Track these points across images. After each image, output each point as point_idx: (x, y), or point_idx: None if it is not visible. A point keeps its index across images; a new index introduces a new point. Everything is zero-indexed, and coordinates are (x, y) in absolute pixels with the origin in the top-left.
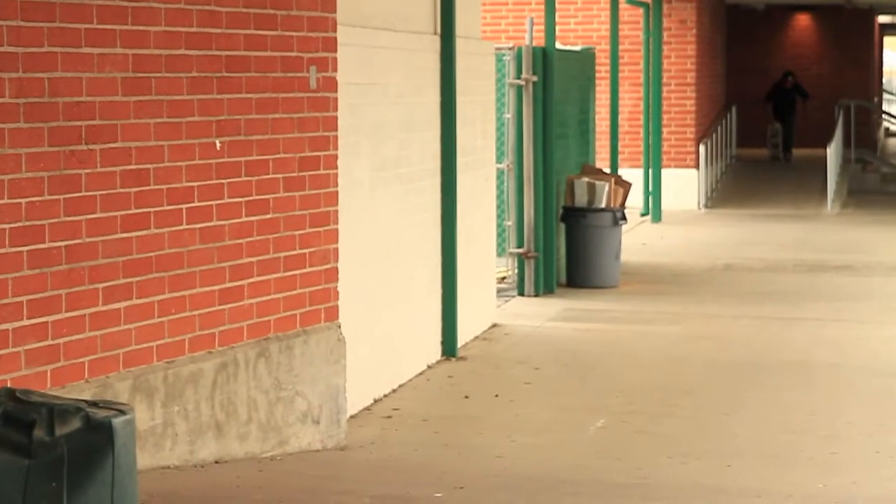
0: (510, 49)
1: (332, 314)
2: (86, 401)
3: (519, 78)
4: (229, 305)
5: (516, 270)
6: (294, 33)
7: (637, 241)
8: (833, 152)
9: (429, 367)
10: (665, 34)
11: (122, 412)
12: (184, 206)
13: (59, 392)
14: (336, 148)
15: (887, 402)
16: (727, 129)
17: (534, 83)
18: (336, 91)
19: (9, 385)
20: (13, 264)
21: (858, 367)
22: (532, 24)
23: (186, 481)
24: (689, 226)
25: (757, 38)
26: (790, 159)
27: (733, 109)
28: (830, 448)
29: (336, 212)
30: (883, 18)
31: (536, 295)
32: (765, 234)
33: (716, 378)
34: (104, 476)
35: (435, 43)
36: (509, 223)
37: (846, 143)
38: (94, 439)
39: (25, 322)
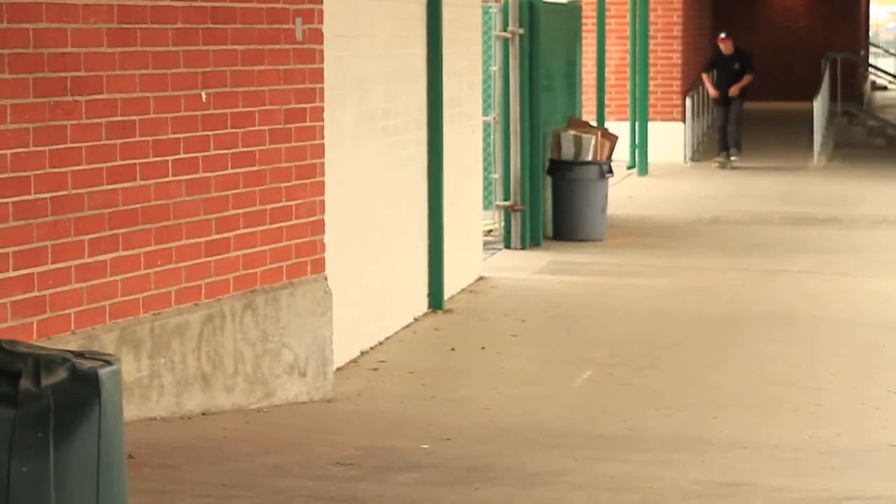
0: (497, 1)
1: (319, 266)
2: (72, 351)
3: (505, 30)
4: (215, 257)
5: (503, 223)
6: None
7: (623, 195)
8: (819, 105)
9: (415, 319)
10: None
11: (109, 363)
12: (170, 158)
13: (46, 343)
14: (322, 100)
15: (871, 354)
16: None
17: (520, 36)
18: (322, 43)
19: None
20: None
21: (842, 319)
22: None
23: (173, 433)
24: (675, 179)
25: None
26: (734, 157)
27: None
28: (815, 400)
29: (322, 164)
30: None
31: (523, 248)
32: (751, 187)
33: (701, 330)
34: (91, 426)
35: None
36: (496, 176)
37: (832, 96)
38: (81, 390)
39: (11, 273)
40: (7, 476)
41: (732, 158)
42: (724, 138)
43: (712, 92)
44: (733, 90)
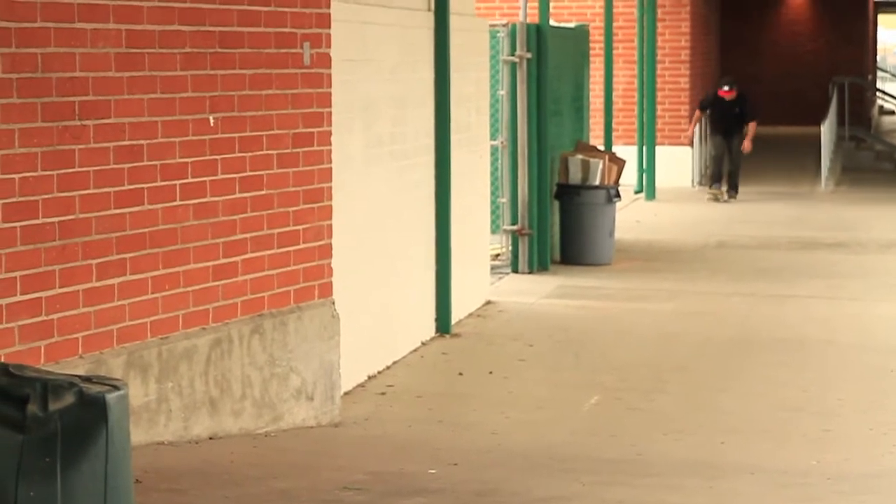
0: (504, 26)
1: (326, 291)
2: (80, 376)
3: (513, 55)
4: (223, 282)
5: (510, 247)
6: (287, 9)
7: (631, 219)
8: (827, 130)
9: (423, 343)
10: (659, 11)
11: (116, 387)
12: (177, 182)
13: (53, 368)
14: (330, 124)
15: (880, 378)
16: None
17: (528, 60)
18: (330, 67)
19: (2, 360)
20: (6, 240)
21: (851, 344)
22: (526, 0)
23: (181, 457)
24: (682, 203)
25: (750, 15)
26: (734, 196)
27: None
28: (823, 425)
29: (330, 188)
30: None
31: (530, 272)
32: (758, 212)
33: (709, 355)
34: (98, 451)
35: (429, 19)
36: (503, 200)
37: (840, 121)
38: (88, 415)
39: (19, 297)
40: (14, 500)
41: (729, 198)
42: (719, 169)
43: (691, 130)
44: (747, 145)
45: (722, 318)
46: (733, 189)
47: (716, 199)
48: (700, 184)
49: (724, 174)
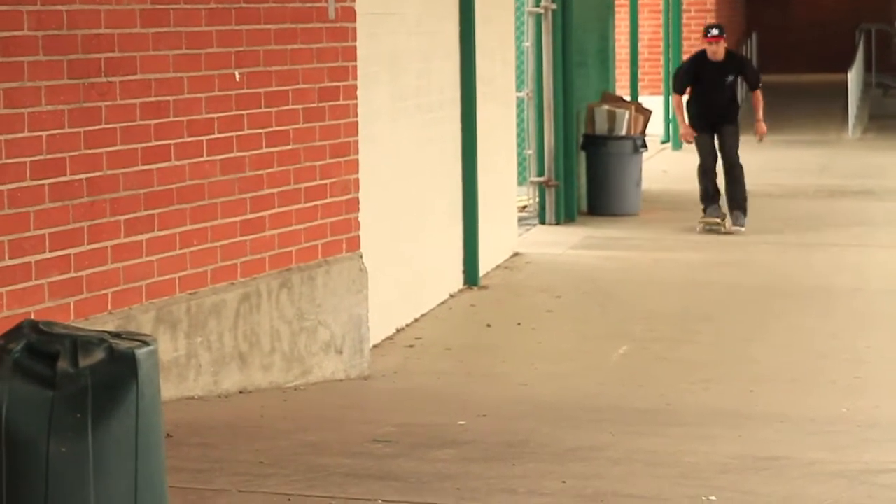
0: None
1: (354, 244)
2: (109, 332)
3: (538, 6)
4: (251, 236)
5: (537, 199)
6: None
7: (658, 169)
8: (854, 77)
9: (451, 296)
10: None
11: (146, 343)
12: (204, 138)
13: (83, 324)
14: (355, 78)
15: None
16: (748, 56)
17: (553, 11)
18: (355, 21)
19: (32, 317)
20: (35, 197)
21: (879, 290)
22: None
23: (211, 411)
24: None
25: None
26: (742, 223)
27: (753, 36)
28: (853, 372)
29: (356, 142)
30: None
31: (557, 223)
32: (786, 160)
33: (737, 304)
34: (128, 406)
35: None
36: (530, 152)
37: (867, 67)
38: (118, 370)
39: (48, 255)
40: (46, 456)
41: (735, 227)
42: (712, 185)
43: (684, 130)
44: (762, 128)
45: (749, 266)
46: (740, 210)
47: (711, 228)
48: None
49: (718, 190)
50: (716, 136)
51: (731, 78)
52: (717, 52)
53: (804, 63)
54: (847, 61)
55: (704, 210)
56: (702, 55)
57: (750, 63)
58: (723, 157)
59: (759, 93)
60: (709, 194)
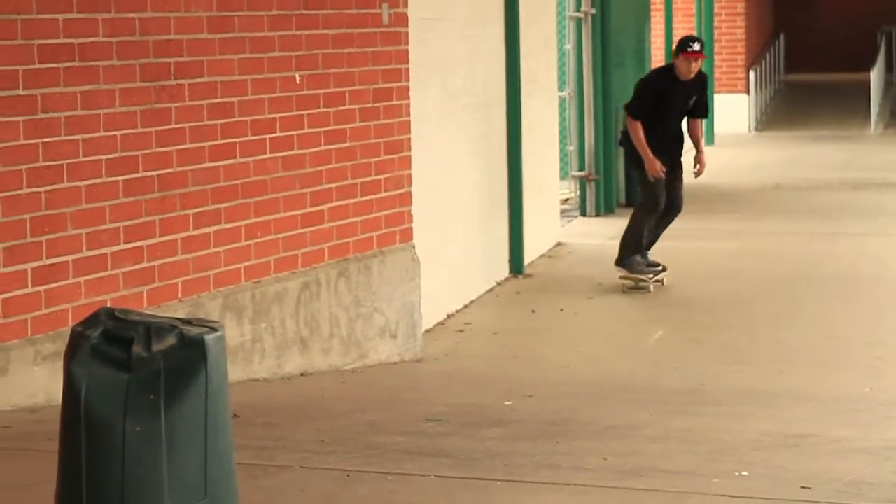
0: None
1: (407, 235)
2: (180, 319)
3: (579, 11)
4: (311, 228)
5: (578, 192)
6: None
7: (692, 163)
8: (876, 76)
9: (498, 283)
10: None
11: (214, 329)
12: (267, 137)
13: (155, 311)
14: (408, 79)
15: None
16: (775, 56)
17: (592, 15)
18: (407, 26)
19: (108, 305)
20: (110, 192)
21: None
22: None
23: (274, 393)
24: (740, 148)
25: None
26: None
27: (781, 37)
28: (876, 354)
29: (409, 139)
30: None
31: (597, 215)
32: (812, 155)
33: (767, 291)
34: (198, 388)
35: None
36: (571, 148)
37: (888, 67)
38: (189, 355)
39: (123, 246)
40: (122, 435)
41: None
42: (658, 231)
43: (654, 169)
44: (704, 163)
45: (779, 255)
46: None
47: (638, 285)
48: (756, 129)
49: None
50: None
51: (693, 100)
52: (693, 70)
53: (829, 63)
54: (869, 61)
55: (643, 263)
56: (668, 72)
57: (704, 101)
58: (673, 199)
59: (701, 121)
60: (647, 242)
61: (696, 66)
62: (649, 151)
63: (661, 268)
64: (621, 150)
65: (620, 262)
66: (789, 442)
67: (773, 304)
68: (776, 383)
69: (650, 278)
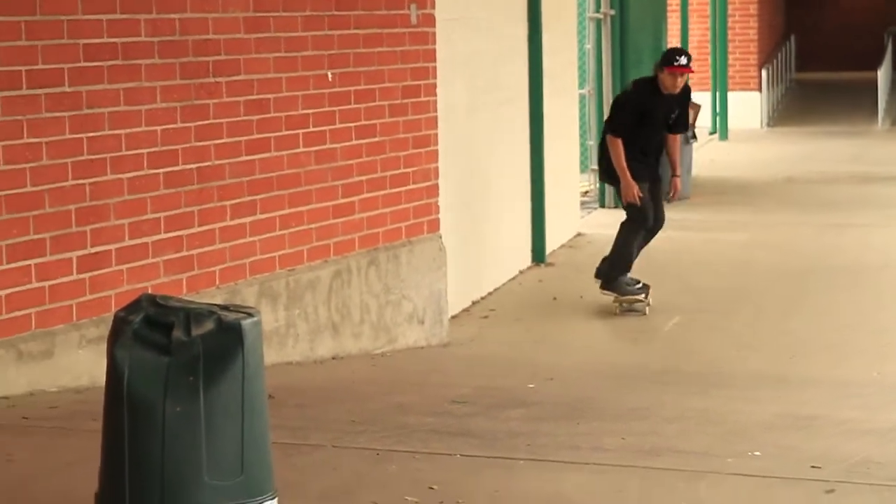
0: None
1: (434, 226)
2: (218, 305)
3: (598, 12)
4: (342, 219)
5: (597, 185)
6: None
7: (706, 158)
8: (883, 75)
9: (520, 272)
10: None
11: (250, 315)
12: (300, 131)
13: (194, 298)
14: (435, 77)
15: None
16: (787, 56)
17: (612, 16)
18: (434, 26)
19: (149, 291)
20: (151, 184)
21: None
22: None
23: (307, 375)
24: (752, 143)
25: None
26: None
27: (792, 38)
28: (882, 341)
29: (436, 134)
30: None
31: (616, 206)
32: (821, 150)
33: (777, 280)
34: (235, 371)
35: None
36: (591, 142)
37: (894, 67)
38: (226, 339)
39: (163, 235)
40: (163, 416)
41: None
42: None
43: (630, 193)
44: (675, 191)
45: (789, 246)
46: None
47: (630, 306)
48: (768, 125)
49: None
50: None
51: (675, 114)
52: (679, 85)
53: (837, 62)
54: (876, 61)
55: (629, 283)
56: (650, 86)
57: (686, 116)
58: (655, 215)
59: (678, 140)
60: (632, 262)
61: (681, 82)
62: (628, 173)
63: (642, 285)
64: None
65: (608, 284)
66: (800, 423)
67: (784, 293)
68: (787, 368)
69: (644, 298)
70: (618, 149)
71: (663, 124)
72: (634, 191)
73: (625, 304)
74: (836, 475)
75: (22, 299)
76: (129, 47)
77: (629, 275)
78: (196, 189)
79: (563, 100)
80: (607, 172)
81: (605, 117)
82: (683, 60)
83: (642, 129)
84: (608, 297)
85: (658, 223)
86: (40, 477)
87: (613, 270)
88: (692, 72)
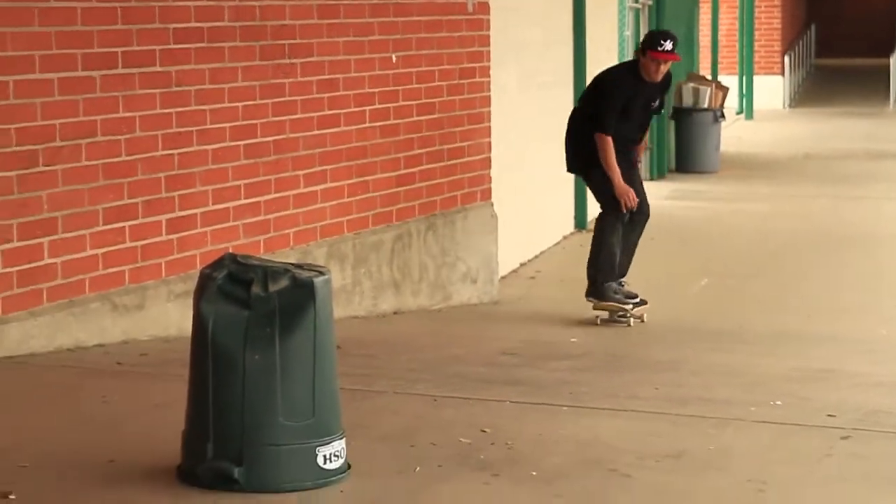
0: None
1: (487, 195)
2: (292, 264)
3: (637, 2)
4: (404, 188)
5: None
6: None
7: (734, 136)
8: (895, 61)
9: (564, 237)
10: None
11: (322, 273)
12: (367, 108)
13: (270, 257)
14: (489, 60)
15: None
16: (808, 43)
17: (649, 6)
18: (489, 14)
19: (231, 251)
20: (232, 155)
21: None
22: None
23: (371, 328)
24: (775, 122)
25: None
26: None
27: (812, 27)
28: (890, 303)
29: (489, 112)
30: None
31: (651, 179)
32: (838, 129)
33: (798, 247)
34: (308, 323)
35: None
36: None
37: None
38: (300, 294)
39: (243, 201)
40: (243, 363)
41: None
42: (630, 251)
43: (627, 197)
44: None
45: (808, 216)
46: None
47: (624, 317)
48: (790, 106)
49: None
50: None
51: (657, 101)
52: (662, 72)
53: (854, 49)
54: (890, 48)
55: (615, 290)
56: (633, 73)
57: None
58: (639, 204)
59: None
60: (620, 270)
61: (664, 69)
62: (619, 175)
63: (639, 300)
64: (672, 124)
65: (592, 292)
66: (816, 376)
67: (802, 258)
68: (804, 326)
69: (630, 309)
70: (608, 148)
71: (643, 115)
72: (631, 195)
73: (604, 314)
74: (850, 423)
75: (117, 257)
76: (214, 31)
77: (628, 288)
78: (273, 160)
79: None
80: (575, 163)
81: (579, 104)
82: (669, 45)
83: (623, 123)
84: (644, 259)
85: (642, 212)
86: (132, 416)
87: (598, 274)
88: (678, 59)
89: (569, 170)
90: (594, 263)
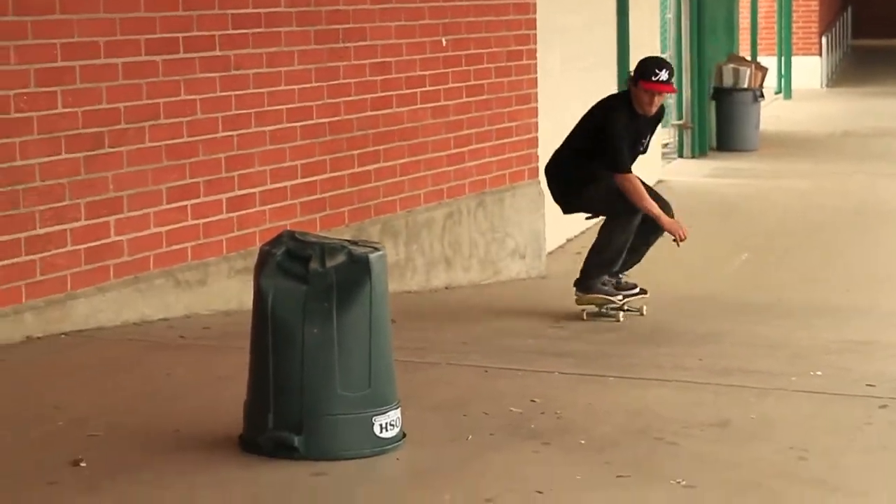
0: None
1: (534, 174)
2: (348, 240)
3: None
4: (454, 167)
5: (677, 138)
6: None
7: (772, 115)
8: None
9: None
10: None
11: (377, 249)
12: (418, 90)
13: (327, 234)
14: (535, 43)
15: None
16: (844, 24)
17: None
18: None
19: (288, 228)
20: (289, 136)
21: None
22: None
23: (424, 302)
24: (813, 101)
25: None
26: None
27: (849, 9)
28: None
29: (536, 93)
30: None
31: (693, 157)
32: (874, 107)
33: (836, 222)
34: (363, 298)
35: None
36: (671, 101)
37: None
38: (356, 270)
39: (299, 181)
40: (302, 336)
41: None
42: (643, 249)
43: (681, 232)
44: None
45: (846, 192)
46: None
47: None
48: (827, 86)
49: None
50: None
51: (646, 140)
52: (656, 105)
53: (890, 31)
54: None
55: (605, 283)
56: (629, 106)
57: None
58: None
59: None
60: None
61: (658, 101)
62: (660, 211)
63: (637, 290)
64: (713, 103)
65: (578, 282)
66: (854, 348)
67: (841, 234)
68: (842, 299)
69: (619, 302)
70: (637, 187)
71: (638, 144)
72: (684, 227)
73: (591, 308)
74: (889, 392)
75: (180, 235)
76: (271, 17)
77: (625, 279)
78: (328, 140)
79: None
80: (568, 197)
81: (564, 143)
82: (664, 75)
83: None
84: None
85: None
86: (195, 388)
87: (593, 268)
88: (673, 91)
89: (565, 211)
90: (592, 259)
